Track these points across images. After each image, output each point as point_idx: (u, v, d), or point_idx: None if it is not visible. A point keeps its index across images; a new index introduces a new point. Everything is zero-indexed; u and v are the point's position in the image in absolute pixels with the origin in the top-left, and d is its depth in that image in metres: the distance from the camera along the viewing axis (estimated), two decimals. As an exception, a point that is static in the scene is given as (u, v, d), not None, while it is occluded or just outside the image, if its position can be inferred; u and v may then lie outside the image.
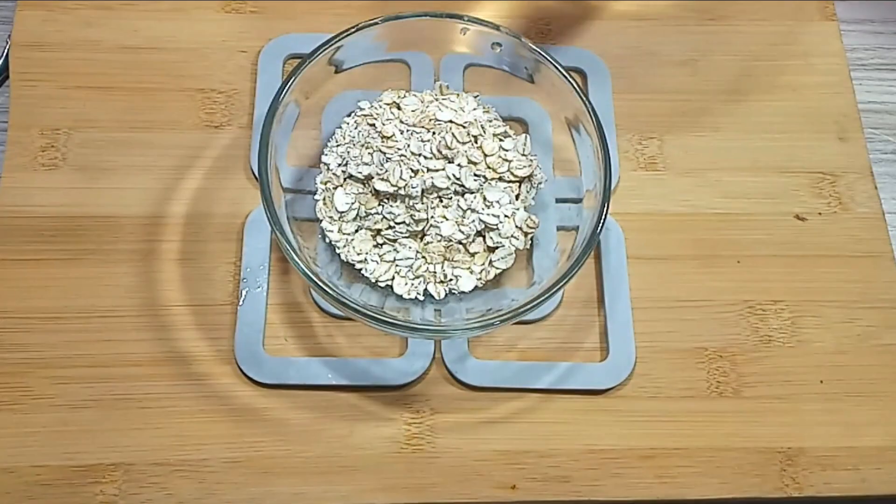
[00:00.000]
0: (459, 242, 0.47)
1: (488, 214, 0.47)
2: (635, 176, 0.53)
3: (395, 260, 0.47)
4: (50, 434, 0.46)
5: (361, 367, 0.48)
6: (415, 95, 0.49)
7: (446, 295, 0.47)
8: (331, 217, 0.48)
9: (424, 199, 0.46)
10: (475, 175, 0.47)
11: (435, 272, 0.47)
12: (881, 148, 0.56)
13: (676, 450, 0.47)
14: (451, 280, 0.47)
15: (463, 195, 0.47)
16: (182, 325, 0.48)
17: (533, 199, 0.49)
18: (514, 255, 0.47)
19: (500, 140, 0.48)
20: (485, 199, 0.47)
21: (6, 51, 0.54)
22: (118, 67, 0.54)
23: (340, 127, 0.50)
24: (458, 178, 0.46)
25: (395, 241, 0.47)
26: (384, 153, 0.47)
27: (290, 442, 0.46)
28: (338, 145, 0.49)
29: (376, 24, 0.47)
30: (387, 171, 0.46)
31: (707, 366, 0.49)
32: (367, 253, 0.47)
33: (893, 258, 0.52)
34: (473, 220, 0.47)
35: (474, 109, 0.49)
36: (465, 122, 0.48)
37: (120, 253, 0.49)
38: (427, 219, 0.47)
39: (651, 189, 0.53)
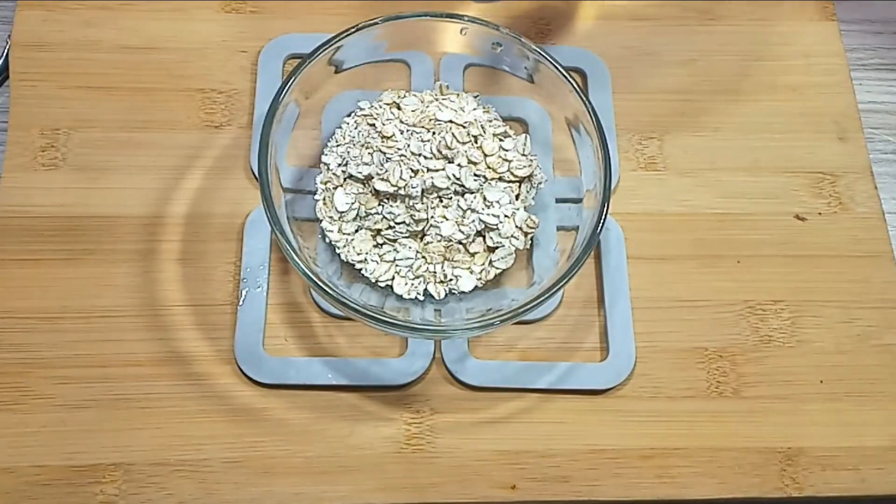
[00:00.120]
0: (459, 242, 0.47)
1: (488, 214, 0.47)
2: (635, 176, 0.53)
3: (395, 260, 0.47)
4: (50, 434, 0.46)
5: (361, 367, 0.48)
6: (415, 95, 0.49)
7: (446, 295, 0.47)
8: (331, 217, 0.48)
9: (424, 199, 0.47)
10: (475, 175, 0.47)
11: (435, 272, 0.47)
12: (881, 148, 0.56)
13: (676, 450, 0.47)
14: (451, 280, 0.47)
15: (463, 195, 0.47)
16: (182, 325, 0.48)
17: (533, 199, 0.49)
18: (514, 255, 0.47)
19: (500, 140, 0.48)
20: (485, 199, 0.47)
21: (6, 51, 0.54)
22: (118, 67, 0.54)
23: (340, 127, 0.50)
24: (458, 178, 0.46)
25: (395, 241, 0.47)
26: (384, 153, 0.47)
27: (290, 442, 0.46)
28: (338, 145, 0.49)
29: (376, 24, 0.47)
30: (387, 171, 0.46)
31: (707, 366, 0.49)
32: (367, 253, 0.47)
33: (893, 258, 0.52)
34: (473, 220, 0.47)
35: (474, 109, 0.49)
36: (465, 122, 0.48)
37: (120, 253, 0.49)
38: (427, 219, 0.47)
39: (651, 189, 0.53)
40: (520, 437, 0.47)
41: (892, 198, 0.54)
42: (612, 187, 0.49)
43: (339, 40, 0.47)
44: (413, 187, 0.46)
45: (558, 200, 0.50)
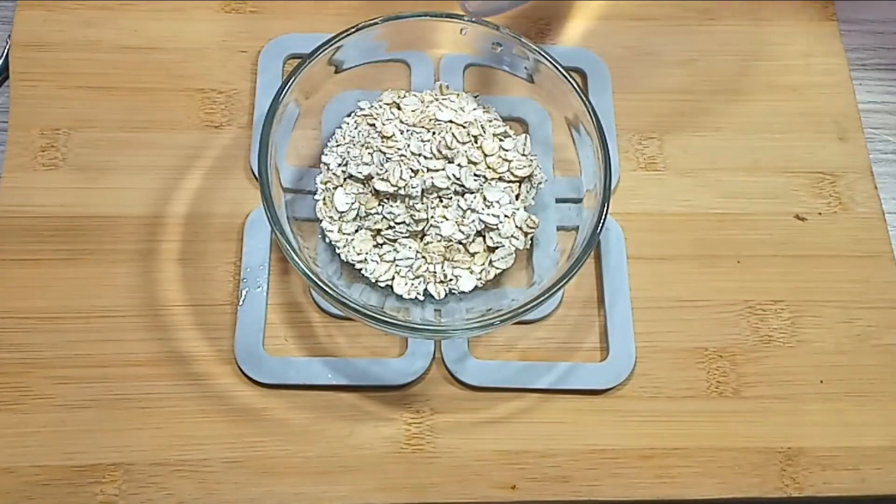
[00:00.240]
0: (459, 242, 0.47)
1: (488, 214, 0.47)
2: (635, 176, 0.53)
3: (395, 260, 0.47)
4: (50, 434, 0.46)
5: (361, 367, 0.48)
6: (415, 95, 0.49)
7: (446, 295, 0.47)
8: (331, 217, 0.48)
9: (424, 199, 0.47)
10: (475, 175, 0.47)
11: (435, 272, 0.47)
12: (881, 148, 0.56)
13: (676, 450, 0.47)
14: (451, 280, 0.47)
15: (463, 195, 0.47)
16: (182, 325, 0.48)
17: (533, 199, 0.49)
18: (514, 255, 0.47)
19: (500, 140, 0.48)
20: (485, 199, 0.47)
21: (6, 51, 0.54)
22: (118, 67, 0.54)
23: (340, 127, 0.50)
24: (458, 178, 0.46)
25: (395, 241, 0.47)
26: (384, 153, 0.47)
27: (290, 442, 0.46)
28: (338, 145, 0.49)
29: (376, 24, 0.47)
30: (387, 171, 0.46)
31: (707, 366, 0.49)
32: (367, 253, 0.47)
33: (893, 258, 0.52)
34: (473, 220, 0.47)
35: (474, 109, 0.49)
36: (465, 122, 0.48)
37: (120, 253, 0.49)
38: (427, 219, 0.47)
39: (651, 189, 0.53)
40: (520, 437, 0.47)
41: (892, 198, 0.54)
42: (612, 187, 0.49)
43: (339, 40, 0.47)
44: (413, 187, 0.46)
45: (558, 200, 0.50)
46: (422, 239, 0.47)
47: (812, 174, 0.54)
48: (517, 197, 0.48)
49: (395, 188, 0.46)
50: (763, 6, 0.58)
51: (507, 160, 0.47)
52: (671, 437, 0.47)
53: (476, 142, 0.47)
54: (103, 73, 0.54)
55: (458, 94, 0.50)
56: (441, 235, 0.47)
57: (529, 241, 0.48)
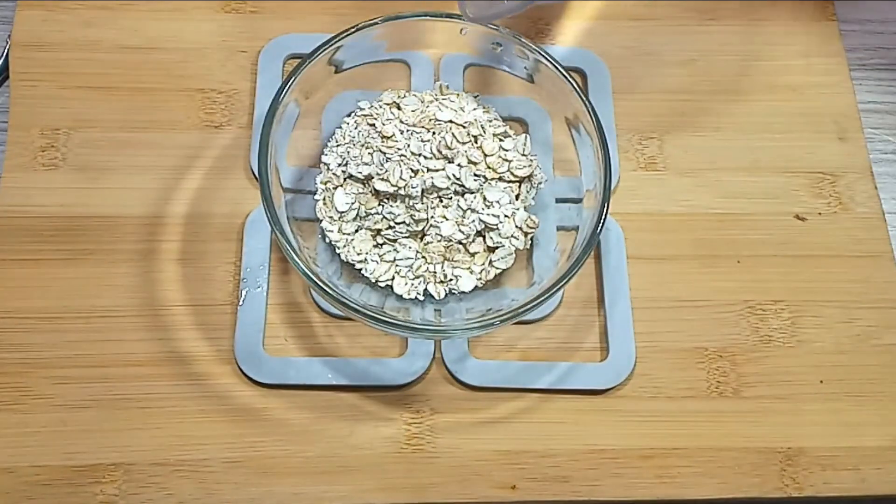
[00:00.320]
0: (459, 242, 0.47)
1: (488, 214, 0.47)
2: (635, 176, 0.53)
3: (395, 260, 0.47)
4: (50, 434, 0.46)
5: (361, 367, 0.48)
6: (415, 95, 0.49)
7: (446, 295, 0.47)
8: (331, 217, 0.48)
9: (424, 199, 0.47)
10: (475, 175, 0.47)
11: (435, 272, 0.47)
12: (881, 148, 0.56)
13: (676, 450, 0.47)
14: (451, 280, 0.47)
15: (463, 195, 0.47)
16: (182, 325, 0.48)
17: (533, 199, 0.49)
18: (514, 255, 0.47)
19: (500, 140, 0.48)
20: (485, 199, 0.47)
21: (6, 51, 0.54)
22: (118, 67, 0.54)
23: (340, 127, 0.50)
24: (458, 178, 0.46)
25: (395, 241, 0.47)
26: (384, 153, 0.47)
27: (290, 442, 0.46)
28: (338, 145, 0.49)
29: (376, 24, 0.47)
30: (387, 171, 0.46)
31: (707, 366, 0.49)
32: (367, 253, 0.47)
33: (893, 258, 0.52)
34: (473, 220, 0.47)
35: (474, 109, 0.49)
36: (465, 122, 0.48)
37: (120, 253, 0.49)
38: (427, 219, 0.47)
39: (651, 189, 0.53)
40: (520, 437, 0.47)
41: (892, 198, 0.54)
42: (612, 187, 0.49)
43: (339, 40, 0.47)
44: (413, 187, 0.46)
45: (558, 200, 0.50)
46: (422, 239, 0.47)
47: (812, 174, 0.54)
48: (517, 197, 0.48)
49: (395, 188, 0.46)
50: (763, 6, 0.58)
51: (507, 160, 0.47)
52: (671, 437, 0.47)
53: (476, 142, 0.47)
54: (103, 73, 0.54)
55: (458, 94, 0.50)
56: (441, 235, 0.47)
57: (529, 241, 0.48)
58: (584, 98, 0.46)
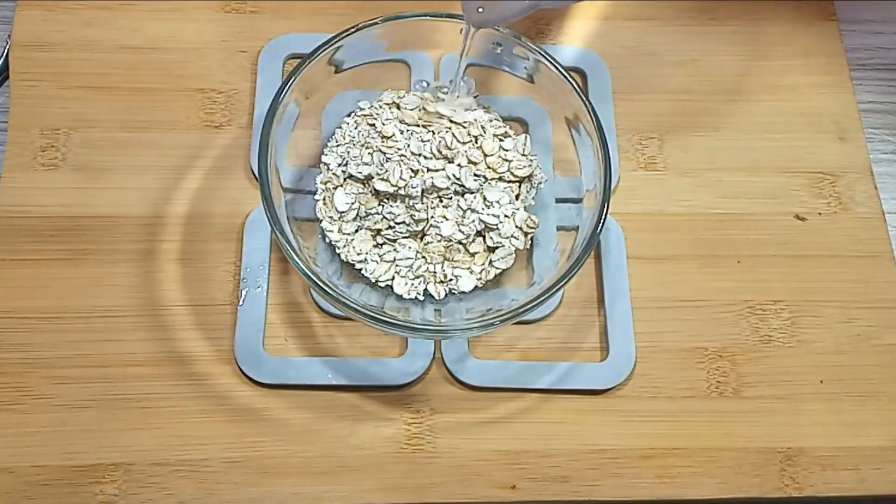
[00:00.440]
0: (459, 242, 0.47)
1: (488, 214, 0.47)
2: (635, 176, 0.53)
3: (395, 260, 0.47)
4: (50, 434, 0.46)
5: (361, 367, 0.48)
6: (415, 95, 0.49)
7: (446, 295, 0.47)
8: (331, 217, 0.48)
9: (424, 199, 0.47)
10: (475, 175, 0.47)
11: (435, 272, 0.47)
12: (881, 148, 0.56)
13: (676, 450, 0.47)
14: (451, 280, 0.47)
15: (463, 195, 0.47)
16: (182, 325, 0.48)
17: (533, 199, 0.49)
18: (514, 255, 0.47)
19: (500, 140, 0.48)
20: (485, 199, 0.47)
21: (6, 51, 0.54)
22: (118, 67, 0.54)
23: (340, 127, 0.50)
24: (458, 178, 0.46)
25: (395, 241, 0.47)
26: (384, 153, 0.47)
27: (290, 442, 0.46)
28: (338, 145, 0.49)
29: (376, 24, 0.47)
30: (387, 171, 0.46)
31: (707, 366, 0.49)
32: (367, 253, 0.47)
33: (893, 258, 0.52)
34: (473, 220, 0.47)
35: (474, 109, 0.49)
36: (465, 122, 0.48)
37: (120, 253, 0.49)
38: (427, 219, 0.47)
39: (651, 189, 0.53)
40: (520, 437, 0.47)
41: (892, 198, 0.54)
42: (612, 187, 0.49)
43: (339, 40, 0.47)
44: (413, 187, 0.46)
45: (558, 200, 0.50)
46: (422, 239, 0.47)
47: (812, 174, 0.54)
48: (517, 197, 0.48)
49: (395, 188, 0.46)
50: (763, 6, 0.58)
51: (507, 160, 0.47)
52: (671, 437, 0.47)
53: (476, 142, 0.47)
54: (103, 73, 0.54)
55: (458, 95, 0.50)
56: (441, 235, 0.47)
57: (529, 241, 0.48)
58: (584, 98, 0.46)
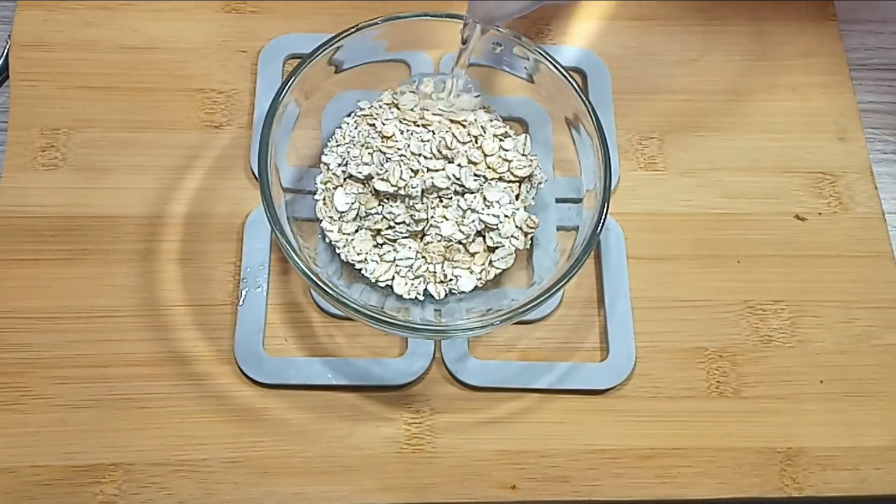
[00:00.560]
0: (459, 242, 0.47)
1: (488, 214, 0.47)
2: (635, 176, 0.53)
3: (395, 260, 0.47)
4: (50, 434, 0.46)
5: (361, 367, 0.48)
6: (412, 93, 0.49)
7: (446, 295, 0.47)
8: (331, 217, 0.48)
9: (424, 199, 0.47)
10: (475, 175, 0.47)
11: (435, 272, 0.47)
12: (881, 148, 0.56)
13: (676, 450, 0.47)
14: (451, 280, 0.47)
15: (463, 195, 0.47)
16: (182, 325, 0.48)
17: (533, 199, 0.49)
18: (514, 255, 0.47)
19: (500, 140, 0.48)
20: (485, 199, 0.47)
21: (6, 51, 0.54)
22: (118, 67, 0.54)
23: (340, 127, 0.50)
24: (458, 178, 0.46)
25: (395, 241, 0.47)
26: (384, 153, 0.47)
27: (290, 442, 0.46)
28: (338, 145, 0.49)
29: (376, 24, 0.47)
30: (387, 171, 0.46)
31: (707, 366, 0.49)
32: (367, 253, 0.47)
33: (893, 258, 0.52)
34: (473, 220, 0.47)
35: (475, 109, 0.49)
36: (466, 122, 0.48)
37: (120, 253, 0.49)
38: (427, 219, 0.47)
39: (651, 189, 0.53)
40: (520, 437, 0.47)
41: (892, 198, 0.54)
42: (612, 187, 0.49)
43: (339, 40, 0.47)
44: (413, 187, 0.46)
45: (558, 200, 0.50)
46: (422, 239, 0.47)
47: (812, 174, 0.54)
48: (517, 197, 0.48)
49: (395, 188, 0.46)
50: (763, 6, 0.58)
51: (506, 160, 0.47)
52: (671, 437, 0.47)
53: (476, 142, 0.47)
54: (103, 73, 0.54)
55: (458, 95, 0.50)
56: (441, 235, 0.47)
57: (529, 241, 0.48)
58: (584, 98, 0.46)
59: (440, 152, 0.46)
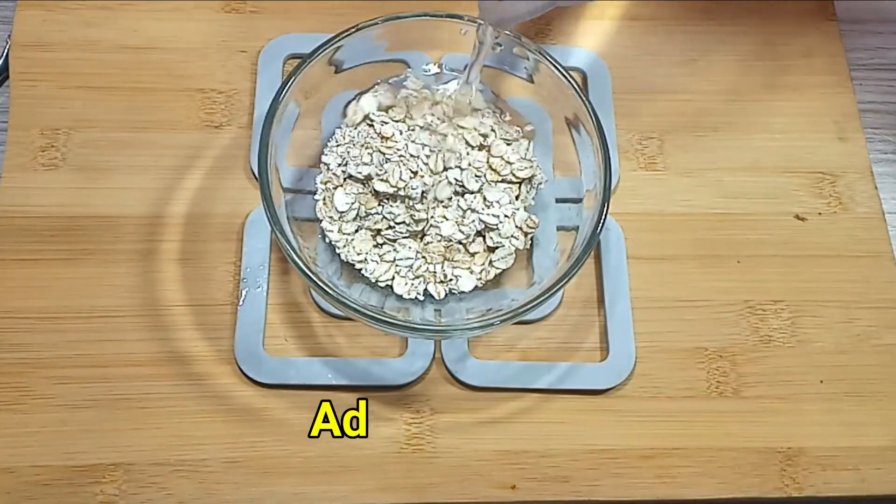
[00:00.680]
0: (459, 242, 0.47)
1: (488, 214, 0.47)
2: (635, 176, 0.53)
3: (395, 260, 0.47)
4: (50, 434, 0.46)
5: (361, 367, 0.48)
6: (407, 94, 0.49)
7: (446, 295, 0.47)
8: (331, 217, 0.48)
9: (424, 200, 0.46)
10: (475, 176, 0.47)
11: (435, 272, 0.47)
12: (881, 148, 0.56)
13: (676, 450, 0.47)
14: (451, 280, 0.47)
15: (463, 195, 0.47)
16: (182, 325, 0.48)
17: (533, 199, 0.49)
18: (514, 255, 0.47)
19: (508, 145, 0.48)
20: (485, 199, 0.47)
21: (6, 51, 0.54)
22: (118, 67, 0.54)
23: (340, 127, 0.50)
24: (459, 181, 0.46)
25: (395, 241, 0.47)
26: (383, 154, 0.47)
27: (290, 442, 0.46)
28: (338, 145, 0.49)
29: (376, 24, 0.47)
30: (386, 171, 0.46)
31: (707, 366, 0.49)
32: (367, 253, 0.47)
33: (893, 258, 0.52)
34: (473, 220, 0.47)
35: (484, 113, 0.49)
36: (473, 127, 0.48)
37: (120, 253, 0.49)
38: (427, 219, 0.47)
39: (651, 189, 0.53)
40: (520, 437, 0.47)
41: (892, 198, 0.54)
42: (612, 187, 0.49)
43: (339, 40, 0.47)
44: (413, 188, 0.46)
45: (558, 200, 0.50)
46: (422, 239, 0.47)
47: (812, 174, 0.54)
48: (517, 197, 0.48)
49: (395, 189, 0.46)
50: (763, 6, 0.58)
51: (509, 162, 0.47)
52: (671, 437, 0.47)
53: (481, 147, 0.47)
54: (103, 73, 0.54)
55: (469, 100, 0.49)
56: (441, 235, 0.47)
57: (529, 241, 0.48)
58: (584, 98, 0.46)
59: (444, 164, 0.46)
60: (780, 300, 0.50)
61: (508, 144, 0.48)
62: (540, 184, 0.49)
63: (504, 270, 0.48)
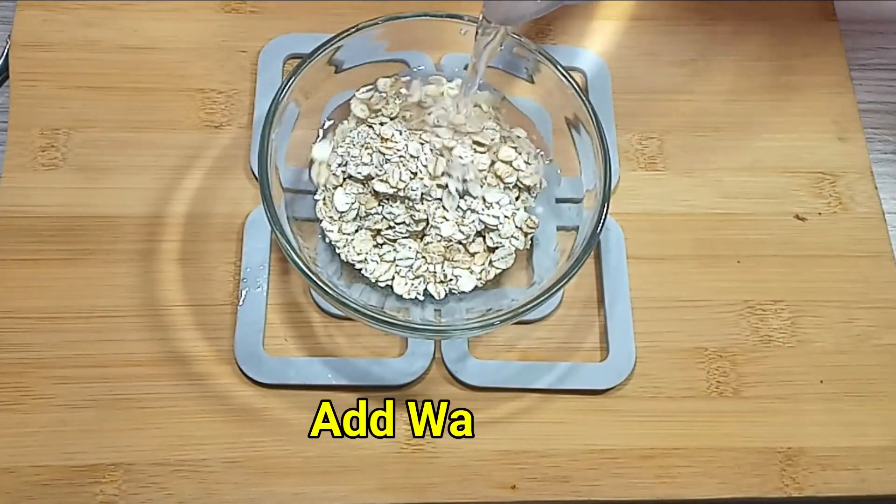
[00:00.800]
0: (459, 242, 0.47)
1: (488, 215, 0.47)
2: (635, 176, 0.53)
3: (395, 260, 0.47)
4: (50, 434, 0.46)
5: (361, 367, 0.48)
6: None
7: (446, 295, 0.47)
8: (331, 217, 0.48)
9: (424, 200, 0.46)
10: (478, 179, 0.47)
11: (435, 272, 0.47)
12: (881, 148, 0.56)
13: (676, 450, 0.47)
14: (451, 280, 0.47)
15: (463, 196, 0.47)
16: (182, 325, 0.48)
17: (533, 199, 0.49)
18: (514, 255, 0.47)
19: (518, 154, 0.48)
20: (485, 199, 0.47)
21: (6, 51, 0.54)
22: (118, 67, 0.54)
23: (338, 126, 0.50)
24: (465, 181, 0.46)
25: (395, 241, 0.47)
26: (383, 154, 0.47)
27: (290, 442, 0.46)
28: (338, 145, 0.49)
29: (376, 24, 0.47)
30: (386, 172, 0.46)
31: (707, 366, 0.49)
32: (367, 253, 0.47)
33: (893, 258, 0.52)
34: (473, 221, 0.47)
35: (490, 118, 0.49)
36: (478, 132, 0.48)
37: (120, 253, 0.49)
38: (427, 219, 0.47)
39: (651, 189, 0.53)
40: (520, 437, 0.47)
41: (892, 198, 0.54)
42: (612, 187, 0.49)
43: (339, 40, 0.47)
44: (413, 189, 0.46)
45: (558, 200, 0.50)
46: (422, 239, 0.47)
47: (812, 174, 0.54)
48: (517, 198, 0.48)
49: (395, 189, 0.46)
50: (763, 6, 0.58)
51: (517, 169, 0.48)
52: (671, 437, 0.47)
53: (486, 153, 0.47)
54: (103, 73, 0.54)
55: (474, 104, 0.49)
56: (441, 236, 0.47)
57: (529, 241, 0.48)
58: (584, 98, 0.46)
59: (450, 174, 0.46)
60: (780, 300, 0.51)
61: (519, 153, 0.48)
62: (540, 190, 0.49)
63: (504, 270, 0.48)
